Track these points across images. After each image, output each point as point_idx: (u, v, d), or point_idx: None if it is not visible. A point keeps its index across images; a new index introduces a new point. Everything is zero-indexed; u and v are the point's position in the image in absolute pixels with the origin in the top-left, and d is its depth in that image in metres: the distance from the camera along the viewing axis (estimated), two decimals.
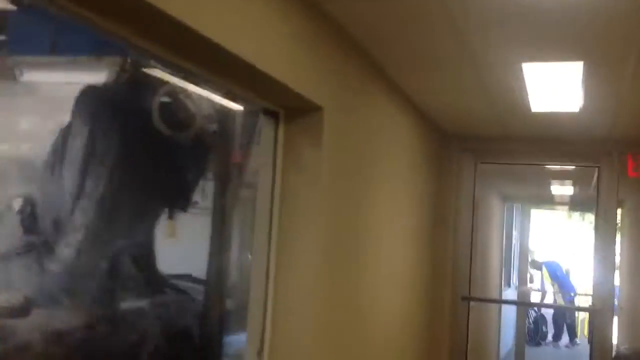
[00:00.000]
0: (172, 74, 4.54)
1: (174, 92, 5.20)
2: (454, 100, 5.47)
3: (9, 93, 5.44)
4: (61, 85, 5.36)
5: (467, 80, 4.77)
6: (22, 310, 4.33)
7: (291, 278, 3.41)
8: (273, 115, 3.44)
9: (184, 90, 5.13)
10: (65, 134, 5.43)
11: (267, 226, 3.40)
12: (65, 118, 5.39)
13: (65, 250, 5.16)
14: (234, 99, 4.14)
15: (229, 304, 5.88)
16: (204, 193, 6.03)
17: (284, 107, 3.41)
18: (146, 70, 4.91)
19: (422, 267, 6.18)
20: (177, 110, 5.29)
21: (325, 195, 3.52)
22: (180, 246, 7.35)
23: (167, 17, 2.12)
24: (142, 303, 5.62)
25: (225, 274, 5.72)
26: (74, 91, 5.31)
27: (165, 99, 5.26)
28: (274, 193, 3.43)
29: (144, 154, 5.57)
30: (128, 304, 5.51)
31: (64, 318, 4.79)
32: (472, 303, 7.18)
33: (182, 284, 6.70)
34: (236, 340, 5.59)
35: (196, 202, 6.74)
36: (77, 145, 5.72)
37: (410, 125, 5.57)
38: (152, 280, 6.05)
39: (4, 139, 5.61)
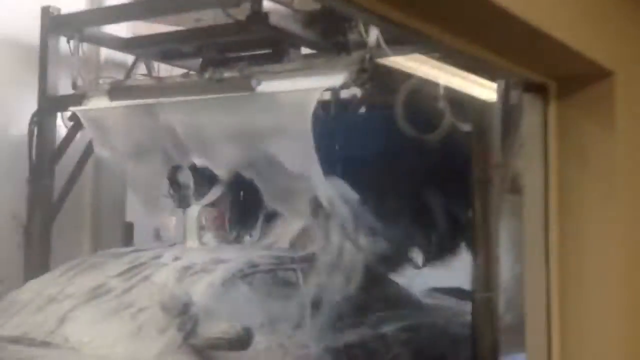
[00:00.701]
0: (419, 58, 3.84)
1: (419, 86, 4.54)
2: None
3: (248, 105, 5.17)
4: (298, 92, 4.96)
5: None
6: (241, 342, 3.78)
7: (582, 293, 2.57)
8: (539, 90, 2.60)
9: (431, 84, 4.44)
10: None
11: (542, 232, 2.57)
12: (306, 128, 4.97)
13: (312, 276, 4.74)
14: (488, 73, 3.36)
15: (504, 320, 5.10)
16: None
17: (556, 77, 2.55)
18: (387, 64, 4.30)
19: None
20: (423, 107, 4.62)
21: (622, 194, 2.59)
22: None
23: None
24: (388, 327, 5.02)
25: (495, 287, 4.90)
26: (313, 97, 4.89)
27: (410, 96, 4.62)
28: (547, 193, 2.58)
29: (390, 161, 4.99)
30: (370, 330, 4.92)
31: (292, 349, 4.27)
32: None
33: (445, 300, 6.10)
34: None
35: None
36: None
37: None
38: (400, 300, 5.43)
39: (251, 156, 5.35)
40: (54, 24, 6.89)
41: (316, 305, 4.55)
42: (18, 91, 7.24)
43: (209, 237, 5.62)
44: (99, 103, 6.29)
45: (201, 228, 5.62)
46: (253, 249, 5.38)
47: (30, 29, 6.94)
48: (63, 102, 6.83)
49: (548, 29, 2.04)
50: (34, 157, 6.94)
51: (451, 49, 2.21)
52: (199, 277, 4.26)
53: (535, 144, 2.64)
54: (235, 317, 3.95)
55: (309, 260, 4.87)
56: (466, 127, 4.62)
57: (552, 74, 2.51)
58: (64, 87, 6.92)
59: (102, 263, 4.89)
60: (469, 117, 4.57)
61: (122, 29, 7.69)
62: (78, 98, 6.68)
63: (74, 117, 6.74)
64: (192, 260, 4.55)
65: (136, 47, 7.11)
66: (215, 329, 3.75)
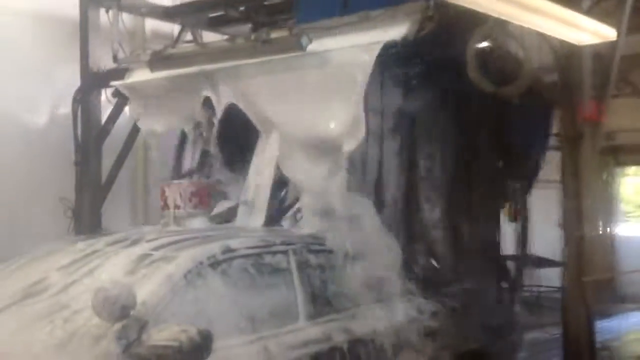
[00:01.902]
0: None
1: (494, 33, 3.92)
2: None
3: (298, 66, 4.64)
4: (354, 49, 4.40)
5: None
6: (194, 350, 2.88)
7: None
8: None
9: (509, 30, 3.83)
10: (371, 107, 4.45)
11: None
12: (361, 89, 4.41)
13: None
14: None
15: None
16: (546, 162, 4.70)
17: None
18: (457, 10, 3.69)
19: None
20: (499, 57, 4.01)
21: None
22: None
23: None
24: None
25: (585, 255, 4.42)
26: (369, 55, 4.32)
27: (484, 45, 4.01)
28: None
29: (461, 118, 4.38)
30: None
31: (280, 353, 3.40)
32: None
33: None
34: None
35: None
36: (383, 122, 4.75)
37: None
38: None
39: (303, 123, 4.81)
40: None
41: (314, 296, 3.81)
42: (62, 68, 6.92)
43: (184, 216, 4.79)
44: (140, 76, 5.87)
45: (175, 206, 4.88)
46: (236, 230, 4.52)
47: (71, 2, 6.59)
48: (106, 77, 6.43)
49: None
50: (79, 136, 6.60)
51: None
52: (156, 267, 3.40)
53: None
54: (201, 317, 3.14)
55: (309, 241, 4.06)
56: (550, 77, 3.99)
57: None
58: (109, 63, 6.54)
59: (58, 251, 4.00)
60: (555, 65, 3.94)
61: None
62: (121, 72, 6.28)
63: (118, 93, 6.35)
64: (154, 245, 3.68)
65: (179, 15, 6.64)
66: (161, 335, 2.90)
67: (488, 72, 4.01)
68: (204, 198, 5.01)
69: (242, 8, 6.59)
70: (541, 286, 10.46)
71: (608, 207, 5.58)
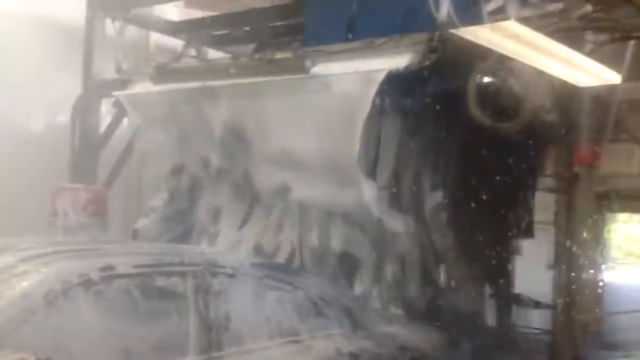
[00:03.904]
0: (504, 28, 3.24)
1: (496, 70, 3.96)
2: None
3: (302, 89, 4.66)
4: (357, 75, 4.43)
5: None
6: None
7: None
8: None
9: (510, 67, 3.86)
10: (368, 133, 4.49)
11: None
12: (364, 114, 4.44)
13: None
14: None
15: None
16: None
17: None
18: (460, 46, 3.73)
19: None
20: (499, 93, 4.05)
21: None
22: None
23: None
24: None
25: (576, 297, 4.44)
26: (372, 81, 4.35)
27: (484, 80, 4.05)
28: None
29: (458, 152, 4.41)
30: None
31: None
32: None
33: None
34: None
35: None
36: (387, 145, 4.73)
37: None
38: None
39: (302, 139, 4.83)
40: (99, 4, 6.53)
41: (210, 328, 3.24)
42: (62, 75, 6.92)
43: (74, 226, 4.19)
44: (142, 88, 5.88)
45: (64, 214, 4.40)
46: (132, 245, 4.06)
47: (76, 10, 6.62)
48: (108, 87, 6.45)
49: None
50: (76, 143, 6.60)
51: None
52: (13, 283, 2.87)
53: None
54: (61, 347, 2.67)
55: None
56: (550, 116, 4.03)
57: None
58: (112, 73, 6.56)
59: None
60: (555, 104, 3.98)
61: (173, 13, 7.33)
62: (123, 83, 6.30)
63: (118, 103, 6.36)
64: (22, 256, 3.09)
65: (184, 31, 6.69)
66: None
67: (488, 107, 4.05)
68: (101, 207, 4.42)
69: (247, 28, 6.72)
70: (527, 327, 10.37)
71: (598, 252, 5.59)
